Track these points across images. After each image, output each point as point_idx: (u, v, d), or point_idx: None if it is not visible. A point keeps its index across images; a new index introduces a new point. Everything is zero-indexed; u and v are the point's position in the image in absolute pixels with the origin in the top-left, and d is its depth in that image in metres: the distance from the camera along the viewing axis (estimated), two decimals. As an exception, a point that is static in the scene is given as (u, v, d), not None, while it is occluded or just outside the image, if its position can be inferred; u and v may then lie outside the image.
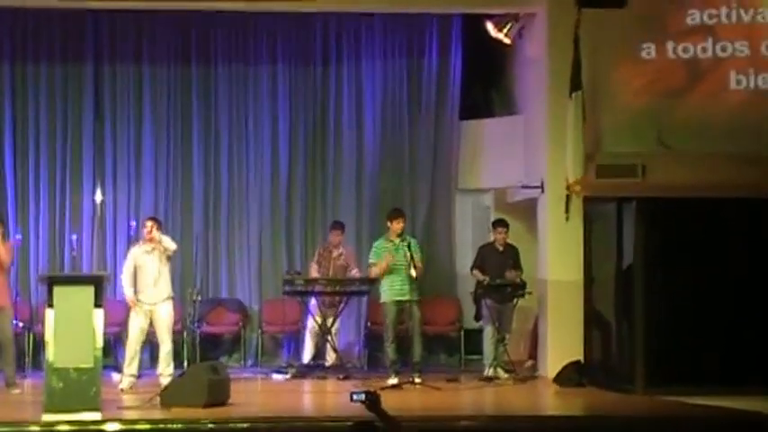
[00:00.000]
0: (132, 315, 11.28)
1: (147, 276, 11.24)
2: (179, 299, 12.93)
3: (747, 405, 9.74)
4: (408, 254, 11.48)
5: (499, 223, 12.39)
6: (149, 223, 11.39)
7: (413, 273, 11.46)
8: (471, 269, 12.40)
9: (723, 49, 12.19)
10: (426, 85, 13.91)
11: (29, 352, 12.64)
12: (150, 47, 13.58)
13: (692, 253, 11.56)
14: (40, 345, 11.94)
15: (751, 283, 11.73)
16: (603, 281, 12.33)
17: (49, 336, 9.64)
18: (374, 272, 11.84)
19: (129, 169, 13.54)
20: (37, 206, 13.36)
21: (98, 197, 11.83)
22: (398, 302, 11.65)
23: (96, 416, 9.20)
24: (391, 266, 11.63)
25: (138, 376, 11.29)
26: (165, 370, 11.16)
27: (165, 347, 11.25)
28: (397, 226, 11.74)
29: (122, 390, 10.97)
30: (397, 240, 11.69)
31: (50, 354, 9.56)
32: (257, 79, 13.75)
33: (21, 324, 12.40)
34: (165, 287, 11.32)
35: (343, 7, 13.05)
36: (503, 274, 12.10)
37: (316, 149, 13.78)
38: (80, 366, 9.46)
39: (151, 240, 11.28)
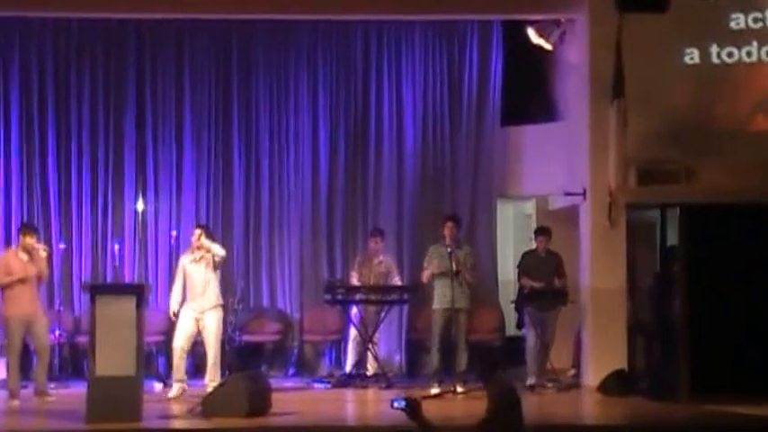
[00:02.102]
0: (180, 320, 11.35)
1: (195, 285, 11.34)
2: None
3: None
4: (457, 260, 11.56)
5: (540, 231, 12.38)
6: (197, 231, 11.51)
7: (458, 270, 11.57)
8: (519, 277, 12.38)
9: (769, 54, 12.15)
10: (467, 92, 13.93)
11: (71, 361, 12.73)
12: (191, 58, 13.66)
13: (738, 260, 11.45)
14: (82, 354, 12.04)
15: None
16: (647, 288, 12.31)
17: (91, 345, 9.76)
18: (425, 275, 11.93)
19: (171, 179, 13.64)
20: (80, 216, 13.46)
21: (140, 206, 11.92)
22: (447, 310, 11.70)
23: (137, 425, 9.30)
24: (442, 273, 11.67)
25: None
26: (215, 378, 11.19)
27: (212, 356, 11.31)
28: (445, 231, 11.80)
29: (171, 398, 11.04)
30: (452, 246, 11.72)
31: (92, 363, 9.67)
32: (297, 88, 13.80)
33: (63, 334, 12.54)
34: (213, 296, 11.40)
35: (384, 15, 13.07)
36: (543, 280, 12.09)
37: (356, 157, 13.82)
38: (122, 375, 9.55)
39: (199, 248, 11.37)
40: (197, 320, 11.30)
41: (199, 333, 11.34)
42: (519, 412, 7.08)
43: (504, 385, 7.52)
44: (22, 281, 11.09)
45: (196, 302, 11.32)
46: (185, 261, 11.47)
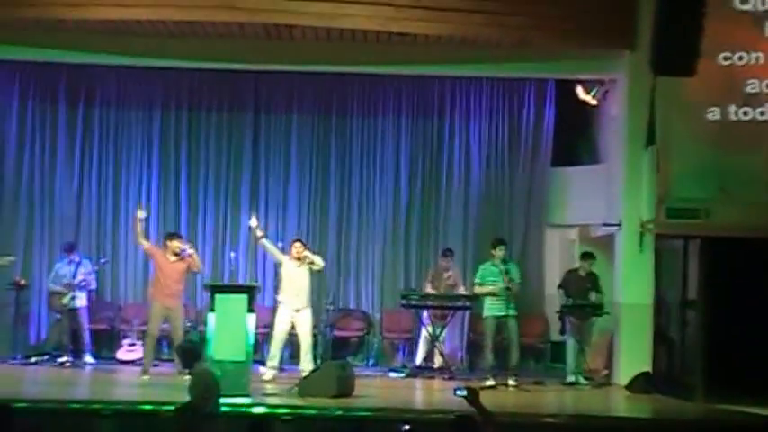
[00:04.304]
0: (278, 317, 11.34)
1: (293, 287, 11.32)
2: (315, 308, 13.07)
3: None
4: (506, 276, 11.48)
5: (587, 255, 12.24)
6: (298, 244, 11.50)
7: (508, 286, 11.44)
8: (558, 287, 12.35)
9: (779, 114, 11.96)
10: (524, 137, 13.82)
11: (195, 346, 12.85)
12: (298, 101, 13.72)
13: (746, 282, 11.33)
14: (202, 340, 12.11)
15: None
16: (670, 305, 12.21)
17: (210, 333, 9.88)
18: (477, 290, 11.83)
19: (278, 200, 13.69)
20: (204, 228, 13.57)
21: (252, 222, 11.99)
22: (497, 317, 11.60)
23: (247, 400, 9.39)
24: (492, 287, 11.59)
25: (281, 369, 11.38)
26: (307, 366, 11.17)
27: (305, 346, 11.27)
28: (498, 252, 11.71)
29: (264, 380, 11.02)
30: (500, 264, 11.66)
31: (211, 348, 9.79)
32: (384, 129, 13.80)
33: (189, 323, 12.61)
34: (306, 297, 11.39)
35: (457, 72, 13.08)
36: (582, 296, 11.99)
37: (431, 187, 13.77)
38: (234, 359, 9.69)
39: (300, 258, 11.39)
40: (292, 318, 11.31)
41: (293, 328, 11.33)
42: (212, 389, 7.58)
43: (203, 372, 7.90)
44: (165, 275, 11.22)
45: (292, 302, 11.30)
46: (288, 263, 11.47)
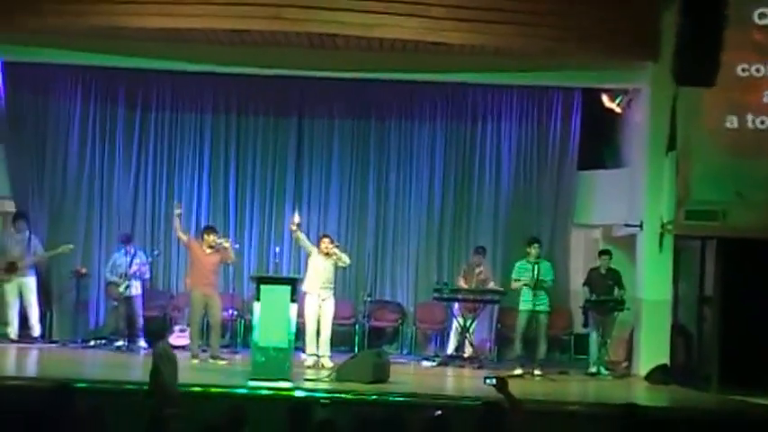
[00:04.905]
0: (306, 308, 11.35)
1: (319, 278, 11.41)
2: (353, 299, 13.20)
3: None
4: (537, 273, 11.57)
5: (603, 252, 12.32)
6: (327, 240, 11.60)
7: (537, 285, 11.59)
8: (583, 285, 12.38)
9: (793, 123, 11.88)
10: (551, 142, 13.80)
11: (240, 333, 13.00)
12: (339, 107, 13.82)
13: (760, 281, 11.31)
14: (248, 328, 12.28)
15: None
16: (687, 301, 12.18)
17: (255, 321, 9.99)
18: (514, 285, 11.92)
19: (320, 198, 13.78)
20: (251, 224, 13.70)
21: (296, 219, 12.10)
22: (529, 311, 11.69)
23: (288, 384, 9.50)
24: (527, 282, 11.70)
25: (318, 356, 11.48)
26: (326, 351, 11.31)
27: (326, 333, 11.37)
28: (532, 251, 11.83)
29: (305, 366, 11.11)
30: (534, 262, 11.73)
31: (256, 335, 9.91)
32: (420, 133, 13.83)
33: (235, 312, 12.76)
34: (331, 287, 11.50)
35: (489, 80, 13.13)
36: (604, 292, 12.01)
37: (463, 189, 13.80)
38: (277, 346, 9.78)
39: (327, 254, 11.49)
40: (319, 306, 11.39)
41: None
42: (172, 365, 7.69)
43: (163, 348, 7.93)
44: (202, 265, 11.36)
45: (318, 291, 11.38)
46: (316, 256, 11.53)
